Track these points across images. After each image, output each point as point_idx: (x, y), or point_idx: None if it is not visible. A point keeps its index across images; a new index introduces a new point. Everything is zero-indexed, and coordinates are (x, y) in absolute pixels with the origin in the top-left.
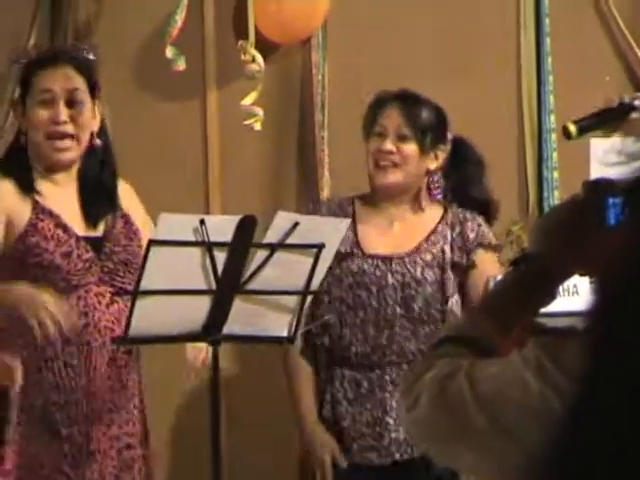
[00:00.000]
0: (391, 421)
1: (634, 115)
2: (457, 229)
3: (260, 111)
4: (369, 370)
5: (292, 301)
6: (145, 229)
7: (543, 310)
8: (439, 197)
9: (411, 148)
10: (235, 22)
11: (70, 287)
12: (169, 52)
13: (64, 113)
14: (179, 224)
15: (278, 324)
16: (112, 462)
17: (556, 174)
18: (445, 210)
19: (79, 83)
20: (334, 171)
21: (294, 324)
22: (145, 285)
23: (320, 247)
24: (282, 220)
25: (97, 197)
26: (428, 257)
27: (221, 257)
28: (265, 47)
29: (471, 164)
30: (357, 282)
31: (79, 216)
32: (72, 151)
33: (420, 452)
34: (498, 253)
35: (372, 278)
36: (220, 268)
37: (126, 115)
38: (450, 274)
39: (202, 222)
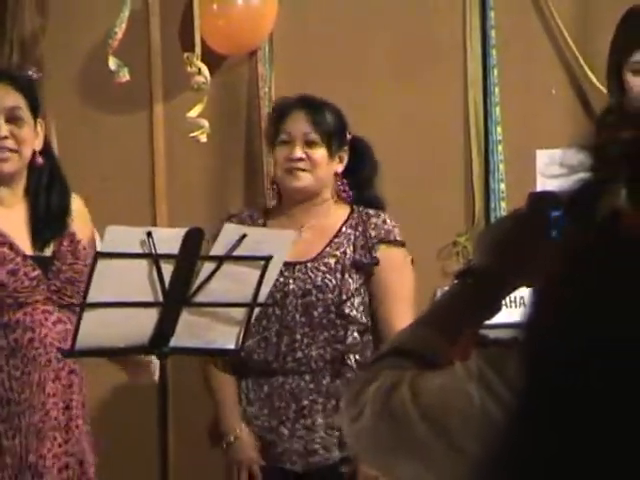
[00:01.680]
0: (285, 431)
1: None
2: (360, 228)
3: (206, 123)
4: (268, 377)
5: (239, 313)
6: (91, 246)
7: (488, 322)
8: (348, 199)
9: (320, 153)
10: (181, 34)
11: (17, 304)
12: (112, 63)
13: (4, 128)
14: (126, 236)
15: (226, 336)
16: (52, 478)
17: (503, 185)
18: (351, 211)
19: (19, 101)
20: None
21: (241, 336)
22: (92, 297)
23: (268, 259)
24: (229, 232)
25: (46, 221)
26: (331, 261)
27: (168, 269)
28: (211, 59)
29: (369, 164)
30: None
31: (27, 238)
32: (12, 162)
33: (311, 467)
34: (404, 248)
35: (275, 285)
36: (167, 280)
37: (72, 127)
38: (350, 276)
39: (149, 234)
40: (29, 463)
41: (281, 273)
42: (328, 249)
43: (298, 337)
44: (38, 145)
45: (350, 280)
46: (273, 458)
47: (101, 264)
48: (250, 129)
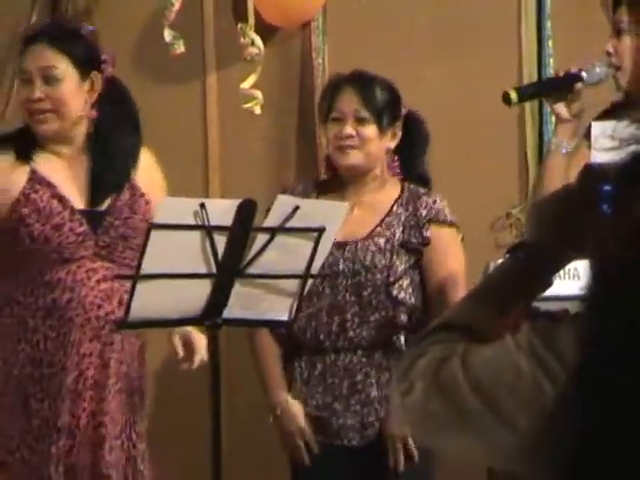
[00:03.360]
0: (339, 407)
1: (579, 85)
2: (410, 207)
3: (259, 94)
4: (321, 354)
5: (292, 285)
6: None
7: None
8: (399, 175)
9: (370, 130)
10: (234, 5)
11: (61, 260)
12: (167, 35)
13: (39, 91)
14: (179, 207)
15: (278, 308)
16: (83, 438)
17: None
18: (402, 190)
19: (55, 60)
20: None
21: (294, 308)
22: (145, 269)
23: (321, 230)
24: (282, 204)
25: (104, 173)
26: (381, 241)
27: (221, 241)
28: (265, 30)
29: (421, 140)
30: None
31: (83, 191)
32: (51, 122)
33: (366, 440)
34: (456, 229)
35: (325, 265)
36: (220, 252)
37: None
38: (398, 258)
39: (202, 206)
40: (60, 425)
41: (331, 252)
42: (379, 229)
43: (349, 317)
44: (89, 98)
45: (399, 262)
46: (329, 436)
47: (155, 235)
48: (303, 100)
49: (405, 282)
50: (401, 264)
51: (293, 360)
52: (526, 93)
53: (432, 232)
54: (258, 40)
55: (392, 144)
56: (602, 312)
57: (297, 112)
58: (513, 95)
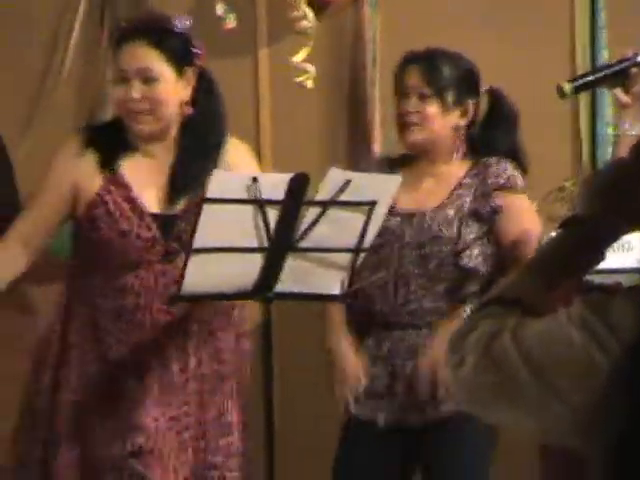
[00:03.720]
0: (399, 388)
1: (635, 70)
2: (481, 176)
3: (312, 68)
4: (388, 331)
5: (344, 259)
6: None
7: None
8: (464, 155)
9: (432, 107)
10: None
11: (128, 265)
12: (219, 9)
13: (136, 91)
14: (232, 182)
15: (330, 282)
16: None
17: (610, 130)
18: (474, 163)
19: (152, 59)
20: (386, 128)
21: (346, 282)
22: (198, 243)
23: (372, 204)
24: (334, 177)
25: (184, 170)
26: (450, 212)
27: (273, 215)
28: (316, 3)
29: (504, 117)
30: (380, 241)
31: (163, 190)
32: (147, 123)
33: (427, 419)
34: (525, 195)
35: (394, 235)
36: (272, 226)
37: None
38: (467, 226)
39: (254, 180)
40: (130, 425)
41: (398, 224)
42: (448, 200)
43: (413, 289)
44: (185, 95)
45: (468, 230)
46: (391, 416)
47: (207, 209)
48: (355, 73)
49: (475, 251)
50: (470, 233)
51: (359, 337)
52: (580, 84)
53: (502, 200)
54: (310, 13)
55: (462, 121)
56: None
57: (348, 85)
58: (567, 87)
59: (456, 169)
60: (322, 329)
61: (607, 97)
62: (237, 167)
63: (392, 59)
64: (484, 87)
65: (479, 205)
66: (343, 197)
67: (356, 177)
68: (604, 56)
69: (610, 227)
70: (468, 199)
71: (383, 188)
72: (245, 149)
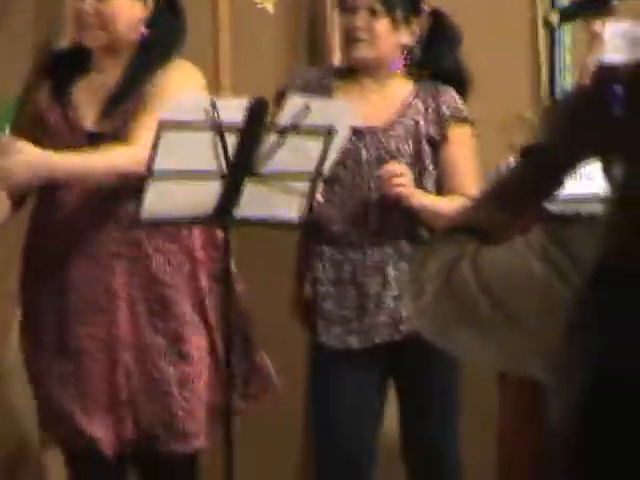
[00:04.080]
0: (371, 306)
1: (615, 2)
2: (431, 103)
3: None
4: (350, 251)
5: (303, 185)
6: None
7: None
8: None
9: (382, 23)
10: None
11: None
12: None
13: (88, 4)
14: (190, 105)
15: (289, 208)
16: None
17: (569, 58)
18: (416, 84)
19: None
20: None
21: (305, 208)
22: (157, 168)
23: (331, 130)
24: (293, 103)
25: (124, 86)
26: (401, 130)
27: (232, 140)
28: None
29: (447, 38)
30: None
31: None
32: (100, 38)
33: (403, 334)
34: (471, 126)
35: (346, 153)
36: (231, 151)
37: None
38: (425, 146)
39: (213, 105)
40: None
41: (351, 141)
42: (398, 117)
43: (373, 205)
44: (141, 13)
45: (424, 153)
46: (364, 336)
47: (165, 135)
48: None
49: (430, 180)
50: (427, 157)
51: (315, 256)
52: (567, 14)
53: (452, 129)
54: None
55: (407, 40)
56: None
57: (308, 8)
58: (554, 19)
59: (399, 88)
60: (281, 256)
61: (565, 27)
62: (163, 89)
63: None
64: (427, 7)
65: (433, 131)
66: (302, 123)
67: (315, 103)
68: None
69: (570, 155)
70: (421, 122)
71: (342, 114)
72: (187, 71)
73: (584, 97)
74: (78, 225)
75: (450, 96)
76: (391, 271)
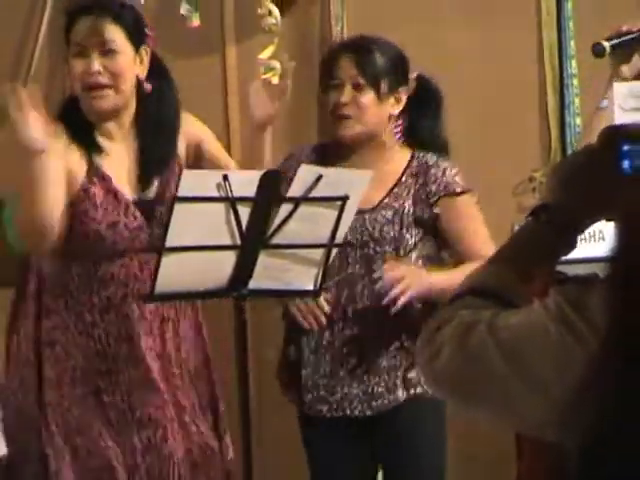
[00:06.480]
0: (345, 376)
1: None
2: (420, 179)
3: (277, 65)
4: (331, 325)
5: (317, 254)
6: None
7: (569, 257)
8: (401, 140)
9: (368, 97)
10: None
11: (115, 254)
12: (183, 8)
13: (96, 63)
14: (202, 180)
15: (304, 278)
16: (159, 429)
17: (578, 120)
18: (412, 157)
19: (114, 32)
20: None
21: (320, 277)
22: (170, 242)
23: (344, 199)
24: (305, 173)
25: (154, 148)
26: (389, 213)
27: (245, 212)
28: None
29: (432, 102)
30: None
31: (133, 174)
32: (109, 99)
33: (374, 410)
34: (469, 194)
35: None
36: (244, 223)
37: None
38: (408, 231)
39: (225, 177)
40: (136, 418)
41: None
42: (387, 200)
43: (359, 289)
44: (142, 73)
45: (408, 235)
46: (335, 406)
47: (178, 208)
48: None
49: (414, 255)
50: (411, 237)
51: (300, 332)
52: (617, 42)
53: (444, 204)
54: (275, 10)
55: (395, 110)
56: (630, 270)
57: (316, 81)
58: (606, 45)
59: (392, 166)
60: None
61: (575, 88)
62: (188, 133)
63: None
64: (413, 73)
65: (421, 211)
66: (315, 193)
67: (327, 172)
68: (571, 45)
69: (577, 216)
70: (407, 202)
71: (354, 182)
72: (194, 119)
73: (590, 157)
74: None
75: (440, 170)
76: (369, 346)
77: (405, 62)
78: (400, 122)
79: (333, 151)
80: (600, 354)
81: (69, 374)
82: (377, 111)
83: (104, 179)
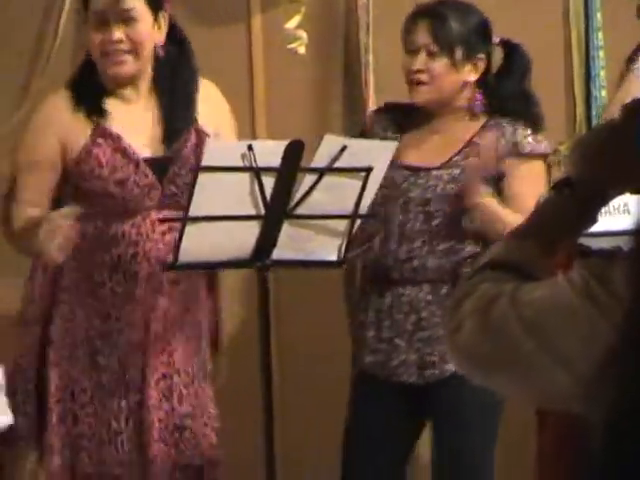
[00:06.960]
0: (402, 344)
1: None
2: (495, 140)
3: (304, 34)
4: (390, 286)
5: (341, 225)
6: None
7: (593, 230)
8: (479, 107)
9: (440, 64)
10: None
11: (127, 212)
12: None
13: (117, 32)
14: (227, 150)
15: (327, 248)
16: (153, 392)
17: (604, 93)
18: (488, 120)
19: (132, 0)
20: (380, 93)
21: (343, 248)
22: (194, 211)
23: (368, 170)
24: (329, 144)
25: (173, 110)
26: (456, 171)
27: (269, 182)
28: None
29: (517, 70)
30: (386, 194)
31: (153, 134)
32: (129, 64)
33: (427, 379)
34: (538, 160)
35: (399, 190)
36: (268, 193)
37: None
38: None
39: (250, 148)
40: (127, 380)
41: (405, 178)
42: (456, 158)
43: (417, 245)
44: (159, 39)
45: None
46: (389, 371)
47: (202, 178)
48: (348, 40)
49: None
50: None
51: (366, 288)
52: None
53: (509, 167)
54: None
55: (472, 77)
56: None
57: (342, 51)
58: None
59: (467, 126)
60: (320, 297)
61: (601, 60)
62: (217, 107)
63: (385, 24)
64: (496, 39)
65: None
66: (339, 163)
67: (352, 143)
68: (597, 17)
69: (600, 189)
70: (476, 159)
71: (379, 153)
72: (216, 89)
73: (613, 130)
74: None
75: (510, 131)
76: (424, 313)
77: (486, 27)
78: (478, 90)
79: (414, 111)
80: (624, 327)
81: (71, 334)
82: (451, 78)
83: (112, 138)
